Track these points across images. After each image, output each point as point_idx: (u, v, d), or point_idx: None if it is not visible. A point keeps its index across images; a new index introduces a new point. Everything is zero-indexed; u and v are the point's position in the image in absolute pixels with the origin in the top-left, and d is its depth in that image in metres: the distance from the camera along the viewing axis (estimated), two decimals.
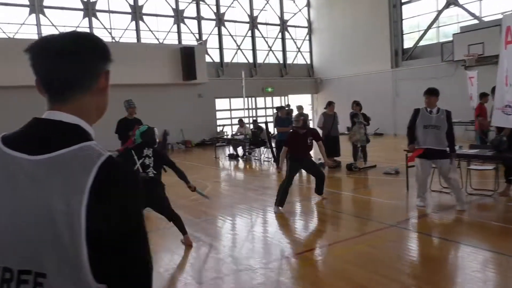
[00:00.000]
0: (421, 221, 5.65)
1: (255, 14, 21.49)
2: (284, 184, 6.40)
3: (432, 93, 5.91)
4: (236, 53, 20.86)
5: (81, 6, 17.02)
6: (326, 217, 6.31)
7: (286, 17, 22.60)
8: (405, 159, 7.00)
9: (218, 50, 20.40)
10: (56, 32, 1.02)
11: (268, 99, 21.87)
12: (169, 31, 19.01)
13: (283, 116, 10.62)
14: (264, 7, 21.80)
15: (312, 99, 23.47)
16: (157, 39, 18.61)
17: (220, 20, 20.31)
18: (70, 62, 0.97)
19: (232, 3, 20.58)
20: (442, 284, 3.70)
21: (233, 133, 15.70)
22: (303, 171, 8.96)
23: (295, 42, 23.03)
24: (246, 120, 15.30)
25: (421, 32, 18.43)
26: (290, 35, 22.85)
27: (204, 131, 18.76)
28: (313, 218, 6.30)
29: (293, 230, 5.78)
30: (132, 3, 18.05)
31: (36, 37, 15.52)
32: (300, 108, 11.28)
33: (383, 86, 19.03)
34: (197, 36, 19.76)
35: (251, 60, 21.34)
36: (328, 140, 9.92)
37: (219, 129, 19.51)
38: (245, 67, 19.52)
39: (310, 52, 23.59)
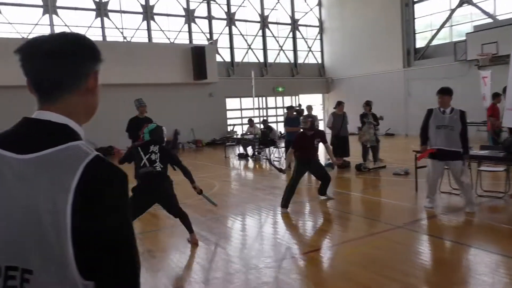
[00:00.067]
0: (429, 223, 5.58)
1: (266, 14, 21.48)
2: (290, 186, 6.40)
3: (445, 93, 5.79)
4: (246, 52, 20.88)
5: (93, 7, 17.22)
6: (333, 217, 6.28)
7: (297, 16, 22.55)
8: (414, 160, 6.93)
9: (228, 49, 20.44)
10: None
11: (279, 98, 21.85)
12: (180, 31, 19.12)
13: (292, 116, 10.60)
14: (275, 6, 21.78)
15: (323, 98, 23.38)
16: (168, 39, 18.73)
17: (231, 19, 20.35)
18: (59, 63, 0.98)
19: (243, 2, 20.60)
20: None
21: (243, 132, 15.73)
22: None
23: (306, 42, 22.96)
24: (256, 120, 15.31)
25: (434, 31, 18.22)
26: (301, 34, 22.78)
27: (214, 131, 18.82)
28: (320, 218, 6.28)
29: (300, 230, 5.77)
30: (143, 3, 18.19)
31: None
32: (309, 108, 11.24)
33: (395, 86, 18.86)
34: (208, 35, 19.83)
35: (261, 60, 21.34)
36: (338, 140, 9.89)
37: (229, 128, 19.56)
38: (255, 67, 19.55)
39: (321, 51, 23.49)
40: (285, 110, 12.91)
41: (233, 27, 20.47)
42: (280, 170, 7.01)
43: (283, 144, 11.53)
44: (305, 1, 22.80)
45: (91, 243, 0.88)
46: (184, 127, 17.90)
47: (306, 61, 22.92)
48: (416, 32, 19.15)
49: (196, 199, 7.08)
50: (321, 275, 4.09)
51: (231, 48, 20.47)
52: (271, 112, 21.83)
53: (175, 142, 17.58)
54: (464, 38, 15.98)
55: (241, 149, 14.01)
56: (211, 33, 19.93)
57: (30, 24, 16.05)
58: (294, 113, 11.01)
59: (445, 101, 5.79)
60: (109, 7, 17.47)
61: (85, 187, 0.89)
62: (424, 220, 5.70)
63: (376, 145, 10.08)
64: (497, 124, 8.82)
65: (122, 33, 17.77)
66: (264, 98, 21.19)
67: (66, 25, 16.50)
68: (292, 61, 22.47)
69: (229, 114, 20.20)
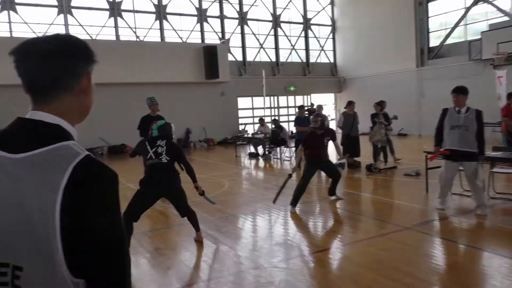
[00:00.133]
0: (438, 225, 5.51)
1: (278, 13, 21.45)
2: (300, 185, 6.39)
3: (460, 92, 5.63)
4: (258, 52, 20.88)
5: (107, 6, 17.41)
6: (341, 218, 6.25)
7: (309, 15, 22.46)
8: (425, 161, 6.84)
9: (240, 49, 20.47)
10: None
11: (291, 98, 21.80)
12: (192, 30, 19.22)
13: (302, 115, 10.56)
14: (287, 5, 21.73)
15: (335, 98, 23.25)
16: (181, 38, 18.85)
17: (243, 19, 20.37)
18: (51, 64, 1.00)
19: (255, 1, 20.61)
20: None
21: (254, 132, 15.74)
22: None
23: (318, 41, 22.86)
24: (268, 119, 15.30)
25: (448, 30, 17.96)
26: (313, 33, 22.69)
27: (226, 130, 18.88)
28: (329, 218, 6.25)
29: (307, 230, 5.75)
30: (156, 3, 18.33)
31: None
32: (319, 107, 11.19)
33: (408, 86, 18.66)
34: (220, 35, 19.89)
35: (273, 59, 21.32)
36: (348, 140, 9.82)
37: (241, 127, 19.60)
38: (267, 66, 19.53)
39: (334, 50, 23.36)
40: (297, 110, 12.88)
41: (245, 26, 20.49)
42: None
43: (293, 144, 11.50)
44: (318, 0, 22.69)
45: (80, 243, 0.89)
46: (196, 126, 18.01)
47: (318, 61, 22.82)
48: (430, 30, 18.90)
49: (203, 198, 7.11)
50: (327, 276, 4.08)
51: (243, 47, 20.50)
52: (283, 111, 21.80)
53: (187, 140, 17.69)
54: (479, 36, 15.71)
55: (251, 148, 14.03)
56: (223, 32, 19.98)
57: (45, 23, 16.31)
58: (306, 112, 10.98)
59: (460, 101, 5.64)
60: (122, 7, 17.65)
61: (74, 186, 0.90)
62: (434, 221, 5.63)
63: (386, 145, 9.99)
64: (511, 125, 8.65)
65: (135, 32, 17.95)
66: (275, 97, 21.17)
67: (80, 25, 16.74)
68: (304, 60, 22.40)
69: (241, 113, 20.24)
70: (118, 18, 17.57)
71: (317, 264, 4.36)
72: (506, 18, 15.69)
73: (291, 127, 18.77)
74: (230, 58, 19.31)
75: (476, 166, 5.64)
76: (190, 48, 17.84)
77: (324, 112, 11.55)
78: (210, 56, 17.48)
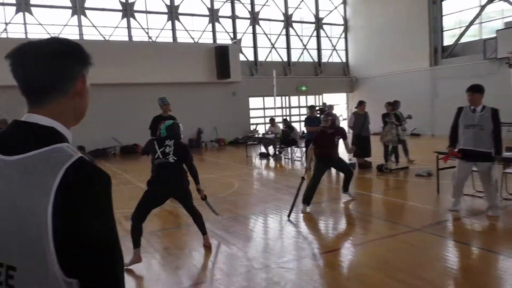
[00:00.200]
0: (449, 226, 5.43)
1: (289, 12, 21.40)
2: (311, 185, 6.37)
3: (476, 90, 5.49)
4: (270, 51, 20.87)
5: (120, 7, 17.60)
6: (351, 218, 6.21)
7: (321, 14, 22.36)
8: (436, 161, 6.76)
9: (252, 48, 20.49)
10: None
11: (302, 98, 21.74)
12: (204, 30, 19.30)
13: (312, 115, 10.53)
14: (299, 5, 21.66)
15: (347, 98, 23.10)
16: (192, 39, 18.94)
17: (254, 18, 20.38)
18: (46, 67, 1.01)
19: (267, 1, 20.60)
20: None
21: (265, 131, 15.74)
22: (333, 170, 8.90)
23: (330, 40, 22.74)
24: (279, 119, 15.29)
25: (463, 29, 17.69)
26: (325, 33, 22.58)
27: (237, 130, 18.91)
28: (338, 219, 6.22)
29: (316, 230, 5.73)
30: (168, 4, 18.46)
31: (77, 37, 16.21)
32: (330, 107, 11.14)
33: (421, 85, 18.43)
34: (232, 35, 19.93)
35: (285, 59, 21.28)
36: (359, 140, 9.75)
37: (252, 127, 19.60)
38: (279, 66, 19.52)
39: (346, 50, 23.21)
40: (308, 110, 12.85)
41: (256, 26, 20.49)
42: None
43: (303, 144, 11.47)
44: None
45: (73, 244, 0.90)
46: (207, 125, 18.07)
47: (330, 60, 22.70)
48: (444, 29, 18.63)
49: (212, 199, 7.14)
50: (334, 277, 4.05)
51: (255, 47, 20.50)
52: (295, 111, 21.74)
53: (198, 140, 17.77)
54: (494, 35, 15.44)
55: (262, 149, 14.03)
56: (234, 32, 20.02)
57: (60, 25, 16.55)
58: (318, 112, 10.94)
59: (475, 99, 5.50)
60: (135, 8, 17.82)
61: (66, 188, 0.91)
62: (445, 223, 5.55)
63: (398, 145, 9.89)
64: None
65: (147, 33, 18.10)
66: (287, 97, 21.13)
67: (93, 26, 16.94)
68: (316, 60, 22.30)
69: (252, 113, 20.25)
70: (131, 19, 17.74)
71: (325, 264, 4.34)
72: None
73: (302, 127, 18.74)
74: (242, 58, 19.34)
75: (490, 166, 5.51)
76: (202, 48, 17.92)
77: (335, 111, 11.50)
78: (222, 56, 17.54)
